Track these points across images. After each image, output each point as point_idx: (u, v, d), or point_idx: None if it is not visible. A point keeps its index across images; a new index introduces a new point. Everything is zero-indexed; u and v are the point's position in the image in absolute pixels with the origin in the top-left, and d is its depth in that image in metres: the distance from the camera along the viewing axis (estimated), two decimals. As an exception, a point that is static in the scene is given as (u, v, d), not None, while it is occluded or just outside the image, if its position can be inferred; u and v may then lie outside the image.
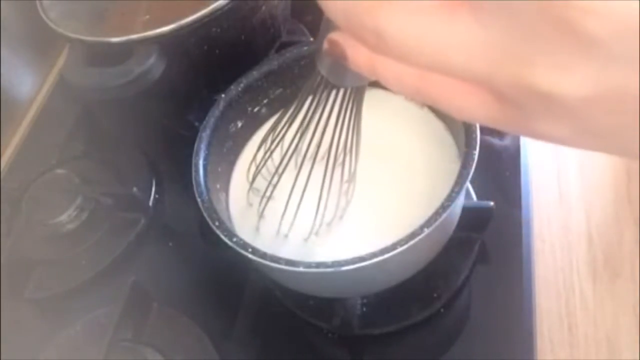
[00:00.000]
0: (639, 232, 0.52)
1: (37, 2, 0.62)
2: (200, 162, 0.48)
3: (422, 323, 0.52)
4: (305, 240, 0.47)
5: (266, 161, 0.47)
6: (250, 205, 0.50)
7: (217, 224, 0.44)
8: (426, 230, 0.40)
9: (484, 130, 0.44)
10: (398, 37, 0.23)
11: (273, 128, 0.46)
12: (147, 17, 0.58)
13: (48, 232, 0.63)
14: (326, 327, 0.52)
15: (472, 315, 0.52)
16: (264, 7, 0.63)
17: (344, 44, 0.27)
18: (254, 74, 0.53)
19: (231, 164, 0.53)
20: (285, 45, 0.64)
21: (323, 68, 0.48)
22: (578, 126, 0.21)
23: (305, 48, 0.53)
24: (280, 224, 0.48)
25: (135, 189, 0.64)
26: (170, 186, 0.67)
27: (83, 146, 0.73)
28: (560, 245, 0.53)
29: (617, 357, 0.47)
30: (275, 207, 0.50)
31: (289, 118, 0.44)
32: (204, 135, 0.49)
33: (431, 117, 0.51)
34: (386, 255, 0.39)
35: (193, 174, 0.47)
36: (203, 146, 0.49)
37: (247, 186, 0.51)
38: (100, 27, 0.60)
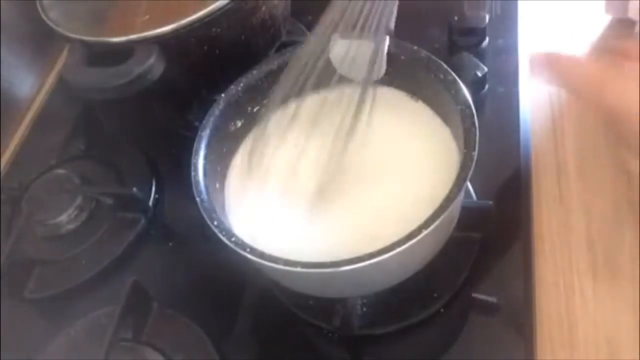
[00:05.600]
0: (639, 232, 0.52)
1: (37, 2, 0.62)
2: (200, 162, 0.48)
3: (422, 323, 0.52)
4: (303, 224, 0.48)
5: None
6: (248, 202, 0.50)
7: (215, 223, 0.44)
8: (425, 231, 0.40)
9: (483, 130, 0.44)
10: None
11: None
12: (147, 17, 0.58)
13: (48, 232, 0.63)
14: (326, 327, 0.52)
15: (472, 315, 0.52)
16: (264, 7, 0.63)
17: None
18: (254, 74, 0.53)
19: (230, 163, 0.53)
20: (285, 45, 0.64)
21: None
22: None
23: (305, 48, 0.53)
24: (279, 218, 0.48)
25: (135, 189, 0.64)
26: (170, 186, 0.67)
27: (83, 146, 0.73)
28: (560, 245, 0.53)
29: (617, 357, 0.47)
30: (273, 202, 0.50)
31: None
32: (204, 135, 0.49)
33: (431, 116, 0.51)
34: (384, 256, 0.39)
35: (192, 173, 0.47)
36: (202, 146, 0.48)
37: (245, 184, 0.51)
38: (100, 27, 0.60)
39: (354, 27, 0.46)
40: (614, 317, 0.49)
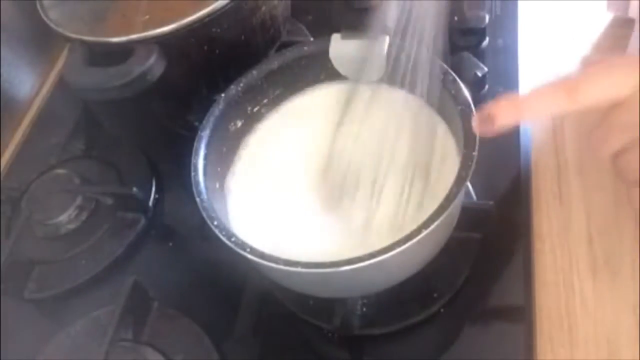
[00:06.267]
0: (639, 232, 0.52)
1: (37, 2, 0.62)
2: (200, 162, 0.48)
3: (422, 323, 0.52)
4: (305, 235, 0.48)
5: None
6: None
7: (215, 223, 0.44)
8: (425, 231, 0.40)
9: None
10: None
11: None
12: (147, 17, 0.58)
13: (48, 232, 0.63)
14: (326, 327, 0.52)
15: (472, 315, 0.52)
16: (264, 8, 0.63)
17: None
18: (254, 74, 0.53)
19: (230, 163, 0.53)
20: (285, 45, 0.64)
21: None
22: None
23: (305, 48, 0.53)
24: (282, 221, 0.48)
25: (135, 189, 0.64)
26: (170, 186, 0.67)
27: (83, 146, 0.73)
28: (560, 245, 0.53)
29: (617, 357, 0.47)
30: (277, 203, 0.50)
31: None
32: (203, 135, 0.49)
33: (431, 116, 0.51)
34: (384, 256, 0.39)
35: (192, 173, 0.47)
36: (202, 146, 0.48)
37: (245, 185, 0.51)
38: (100, 27, 0.60)
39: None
40: (614, 317, 0.49)
